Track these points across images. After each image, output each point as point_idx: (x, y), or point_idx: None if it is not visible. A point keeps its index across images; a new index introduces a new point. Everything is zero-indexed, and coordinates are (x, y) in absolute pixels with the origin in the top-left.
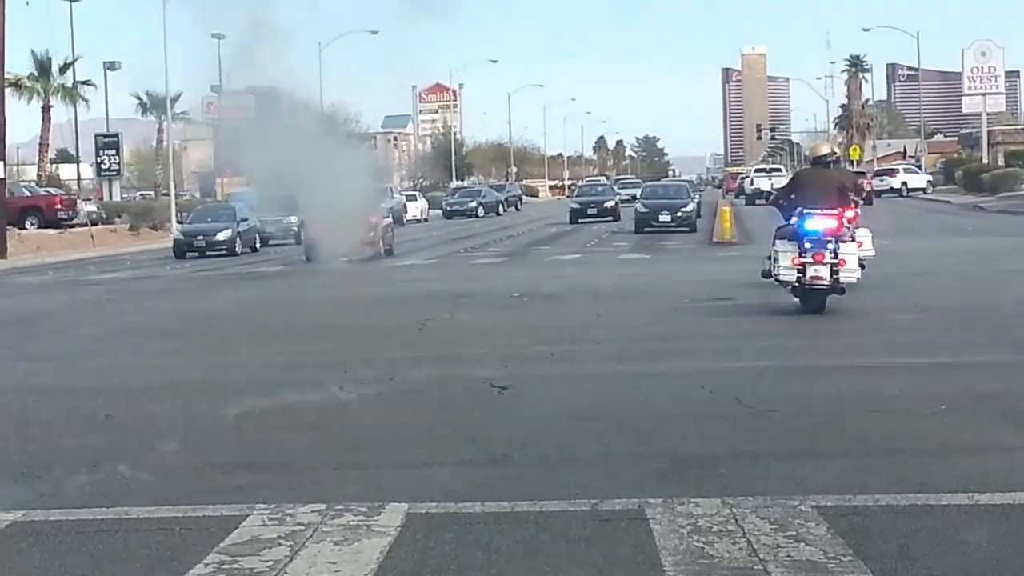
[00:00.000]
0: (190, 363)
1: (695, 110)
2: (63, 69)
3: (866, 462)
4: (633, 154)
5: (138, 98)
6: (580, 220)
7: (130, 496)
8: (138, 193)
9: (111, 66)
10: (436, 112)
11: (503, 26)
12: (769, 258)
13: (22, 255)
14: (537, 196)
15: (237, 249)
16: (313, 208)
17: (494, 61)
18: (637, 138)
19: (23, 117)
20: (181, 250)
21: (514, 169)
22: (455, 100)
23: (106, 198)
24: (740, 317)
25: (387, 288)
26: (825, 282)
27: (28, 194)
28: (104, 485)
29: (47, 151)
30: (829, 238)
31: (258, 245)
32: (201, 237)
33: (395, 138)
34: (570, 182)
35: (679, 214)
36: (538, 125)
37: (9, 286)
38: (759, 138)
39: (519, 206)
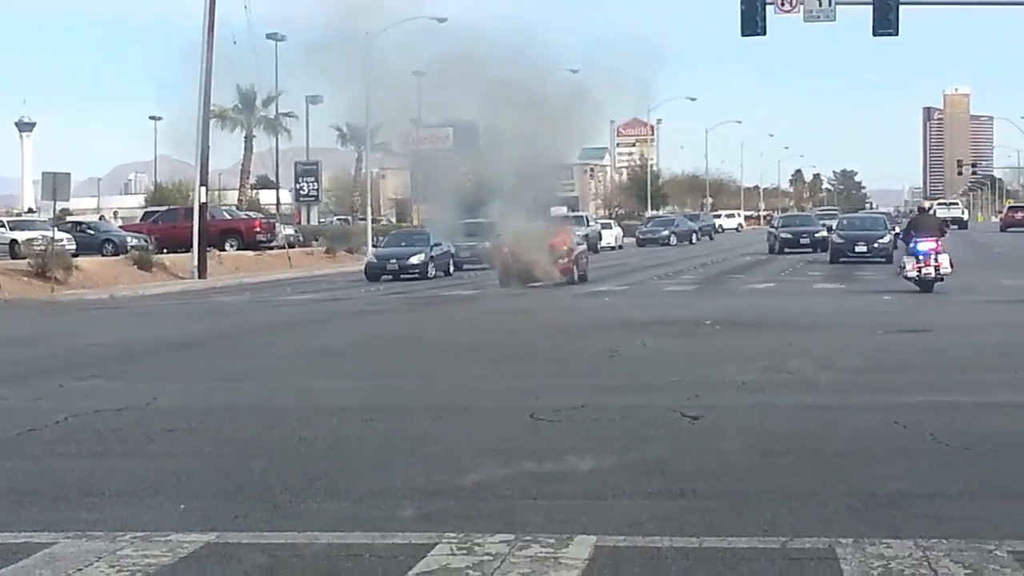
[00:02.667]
0: (379, 385)
1: (894, 146)
2: (266, 103)
3: None
4: (830, 187)
5: (338, 129)
6: (787, 250)
7: (306, 521)
8: (335, 218)
9: (313, 100)
10: (633, 145)
11: (703, 66)
12: (901, 267)
13: (221, 275)
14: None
15: (430, 273)
16: (506, 234)
17: (693, 99)
18: (834, 171)
19: (226, 145)
20: (375, 273)
21: (709, 200)
22: (652, 135)
23: (304, 222)
24: (938, 350)
25: (580, 314)
26: (932, 275)
27: (228, 217)
28: (288, 508)
29: (248, 177)
30: (931, 252)
31: (452, 269)
32: (395, 260)
33: (592, 169)
34: (766, 213)
35: (875, 245)
36: (735, 158)
37: (208, 304)
38: (960, 173)
39: (713, 235)
